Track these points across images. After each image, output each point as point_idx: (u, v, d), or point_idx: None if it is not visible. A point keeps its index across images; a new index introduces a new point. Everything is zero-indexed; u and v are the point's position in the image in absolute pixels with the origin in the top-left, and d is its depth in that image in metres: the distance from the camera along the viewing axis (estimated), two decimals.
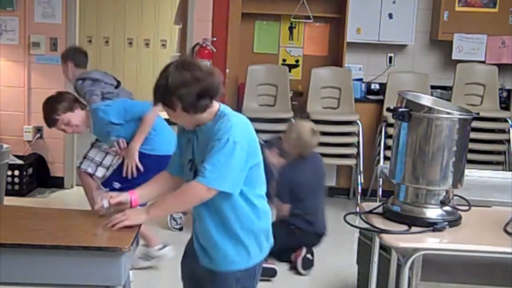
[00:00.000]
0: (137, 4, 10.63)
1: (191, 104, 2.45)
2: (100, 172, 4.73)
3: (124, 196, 2.71)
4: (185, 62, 2.51)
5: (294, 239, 4.61)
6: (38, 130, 6.26)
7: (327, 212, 5.00)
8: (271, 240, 2.69)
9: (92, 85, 5.00)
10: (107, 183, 4.29)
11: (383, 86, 6.46)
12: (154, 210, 2.59)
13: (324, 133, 6.13)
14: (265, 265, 4.29)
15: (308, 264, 4.59)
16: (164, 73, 2.47)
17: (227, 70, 6.25)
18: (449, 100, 5.96)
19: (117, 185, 4.16)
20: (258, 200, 2.58)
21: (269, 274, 4.36)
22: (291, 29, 6.66)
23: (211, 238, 2.55)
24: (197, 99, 2.44)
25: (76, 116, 4.19)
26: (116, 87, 5.21)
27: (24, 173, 5.99)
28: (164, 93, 2.46)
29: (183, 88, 2.42)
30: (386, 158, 5.95)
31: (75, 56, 5.23)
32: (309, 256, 4.59)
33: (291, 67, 6.64)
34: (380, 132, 6.20)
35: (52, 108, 4.18)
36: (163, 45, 10.70)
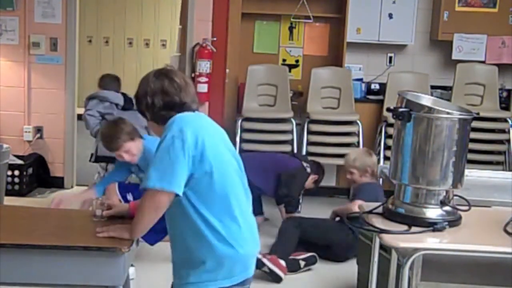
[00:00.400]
0: (137, 4, 10.63)
1: (156, 115, 2.47)
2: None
3: (123, 207, 2.75)
4: (161, 72, 2.52)
5: (344, 241, 4.69)
6: (38, 130, 6.27)
7: (327, 211, 5.02)
8: (251, 270, 2.48)
9: (96, 104, 5.16)
10: (121, 194, 4.34)
11: (383, 86, 6.46)
12: (132, 228, 2.49)
13: (324, 133, 6.15)
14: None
15: (310, 261, 4.62)
16: (140, 82, 2.53)
17: (227, 70, 6.26)
18: (449, 100, 5.96)
19: (130, 196, 4.25)
20: (222, 224, 2.36)
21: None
22: (291, 29, 6.66)
23: (172, 254, 2.50)
24: (161, 111, 2.45)
25: (136, 145, 4.19)
26: (124, 108, 5.35)
27: (24, 173, 5.99)
28: (136, 101, 2.53)
29: (150, 97, 2.45)
30: (386, 158, 5.95)
31: (102, 80, 5.66)
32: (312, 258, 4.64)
33: (291, 67, 6.64)
34: (380, 132, 6.20)
35: (118, 134, 4.15)
36: (163, 45, 10.70)
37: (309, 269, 4.60)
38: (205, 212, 2.35)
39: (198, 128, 2.39)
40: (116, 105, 5.39)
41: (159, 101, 2.44)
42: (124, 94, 5.51)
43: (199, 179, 2.34)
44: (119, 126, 4.18)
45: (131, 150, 4.16)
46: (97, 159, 5.33)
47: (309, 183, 5.48)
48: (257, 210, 4.83)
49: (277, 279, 4.40)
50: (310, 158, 6.05)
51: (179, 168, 2.31)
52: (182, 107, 2.46)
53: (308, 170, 5.44)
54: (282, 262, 4.44)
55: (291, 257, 4.57)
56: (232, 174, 2.44)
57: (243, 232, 2.41)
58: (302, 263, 4.58)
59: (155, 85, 2.46)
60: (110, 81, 5.70)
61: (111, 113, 5.23)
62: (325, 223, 4.84)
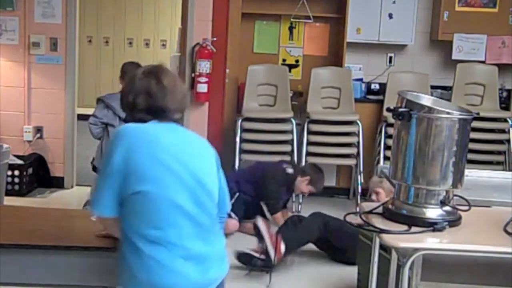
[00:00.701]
0: (137, 4, 10.64)
1: (133, 116, 2.31)
2: None
3: None
4: (151, 71, 2.34)
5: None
6: (38, 130, 6.27)
7: (327, 211, 5.02)
8: None
9: (101, 109, 5.10)
10: None
11: (383, 86, 6.46)
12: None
13: (324, 133, 6.15)
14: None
15: (265, 266, 4.45)
16: (129, 76, 2.41)
17: (227, 70, 6.26)
18: (449, 100, 5.95)
19: None
20: (144, 244, 2.19)
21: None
22: (291, 29, 6.66)
23: None
24: (140, 112, 2.29)
25: None
26: (125, 120, 5.25)
27: (24, 173, 5.99)
28: (120, 96, 2.39)
29: (132, 96, 2.30)
30: (386, 158, 5.95)
31: (124, 68, 5.39)
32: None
33: (291, 67, 6.64)
34: (380, 132, 6.20)
35: None
36: (163, 45, 10.71)
37: (262, 270, 4.43)
38: (127, 230, 2.23)
39: (132, 145, 2.20)
40: (119, 117, 5.31)
41: (142, 102, 2.28)
42: None
43: (125, 198, 2.21)
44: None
45: None
46: (93, 168, 5.29)
47: (302, 185, 5.43)
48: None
49: (268, 262, 4.33)
50: (309, 158, 6.08)
51: (108, 188, 2.20)
52: (163, 114, 2.29)
53: (289, 171, 5.44)
54: (282, 247, 4.42)
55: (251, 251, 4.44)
56: (164, 196, 2.19)
57: (161, 259, 2.20)
58: (258, 262, 4.41)
59: (141, 84, 2.29)
60: (132, 70, 5.45)
61: (112, 124, 5.15)
62: (350, 227, 4.80)
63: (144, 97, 2.27)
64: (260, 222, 4.53)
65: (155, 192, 2.17)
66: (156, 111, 2.28)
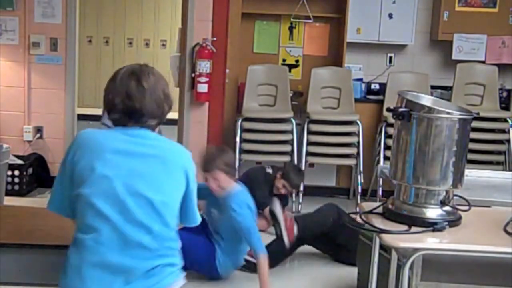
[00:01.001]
0: (137, 4, 10.63)
1: (111, 116, 2.27)
2: None
3: None
4: (134, 71, 2.26)
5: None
6: (38, 130, 6.27)
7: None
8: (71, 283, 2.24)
9: (107, 116, 5.10)
10: None
11: (383, 86, 6.46)
12: None
13: (324, 133, 6.15)
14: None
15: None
16: (112, 75, 2.32)
17: (227, 70, 6.25)
18: (449, 100, 5.96)
19: None
20: (71, 246, 2.26)
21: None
22: (291, 29, 6.66)
23: None
24: (117, 113, 2.25)
25: (227, 181, 4.19)
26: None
27: (24, 173, 5.99)
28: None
29: (111, 95, 2.25)
30: (386, 158, 5.95)
31: None
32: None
33: (291, 67, 6.64)
34: (380, 132, 6.20)
35: (216, 158, 4.17)
36: (163, 45, 10.70)
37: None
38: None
39: (79, 150, 2.22)
40: None
41: (120, 103, 2.22)
42: None
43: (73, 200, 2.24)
44: (222, 153, 4.21)
45: (220, 181, 4.16)
46: None
47: (279, 183, 5.40)
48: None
49: (282, 244, 4.43)
50: (309, 158, 6.08)
51: (60, 189, 2.26)
52: (139, 117, 2.23)
53: (268, 170, 5.49)
54: (295, 229, 4.50)
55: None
56: (91, 202, 2.18)
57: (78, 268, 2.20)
58: (251, 265, 4.37)
59: (122, 84, 2.22)
60: None
61: None
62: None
63: (122, 98, 2.22)
64: (276, 206, 4.66)
65: (85, 196, 2.18)
66: (131, 114, 2.22)
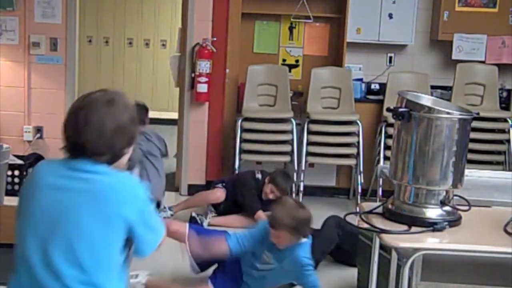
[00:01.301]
0: (137, 4, 10.64)
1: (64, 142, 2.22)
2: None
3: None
4: (83, 105, 2.14)
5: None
6: (38, 130, 6.27)
7: (327, 211, 5.02)
8: None
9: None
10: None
11: (383, 86, 6.46)
12: None
13: (324, 133, 6.15)
14: None
15: None
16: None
17: (227, 70, 6.26)
18: (449, 100, 5.96)
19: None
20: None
21: None
22: (291, 29, 6.66)
23: None
24: (66, 140, 2.17)
25: (290, 240, 3.86)
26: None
27: (24, 173, 5.98)
28: None
29: (63, 128, 2.20)
30: (386, 158, 5.95)
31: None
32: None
33: (291, 67, 6.64)
34: (380, 132, 6.20)
35: (286, 219, 3.82)
36: (163, 45, 10.71)
37: None
38: None
39: (27, 182, 2.21)
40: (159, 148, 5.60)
41: (67, 136, 2.14)
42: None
43: None
44: (296, 210, 3.86)
45: (282, 239, 3.84)
46: None
47: (267, 189, 5.35)
48: None
49: None
50: (309, 158, 6.08)
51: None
52: (83, 153, 2.10)
53: (258, 176, 5.50)
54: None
55: None
56: (18, 236, 2.19)
57: None
58: None
59: (69, 118, 2.15)
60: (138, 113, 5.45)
61: (153, 154, 5.48)
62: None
63: (68, 132, 2.12)
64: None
65: (18, 228, 2.19)
66: (74, 147, 2.11)
